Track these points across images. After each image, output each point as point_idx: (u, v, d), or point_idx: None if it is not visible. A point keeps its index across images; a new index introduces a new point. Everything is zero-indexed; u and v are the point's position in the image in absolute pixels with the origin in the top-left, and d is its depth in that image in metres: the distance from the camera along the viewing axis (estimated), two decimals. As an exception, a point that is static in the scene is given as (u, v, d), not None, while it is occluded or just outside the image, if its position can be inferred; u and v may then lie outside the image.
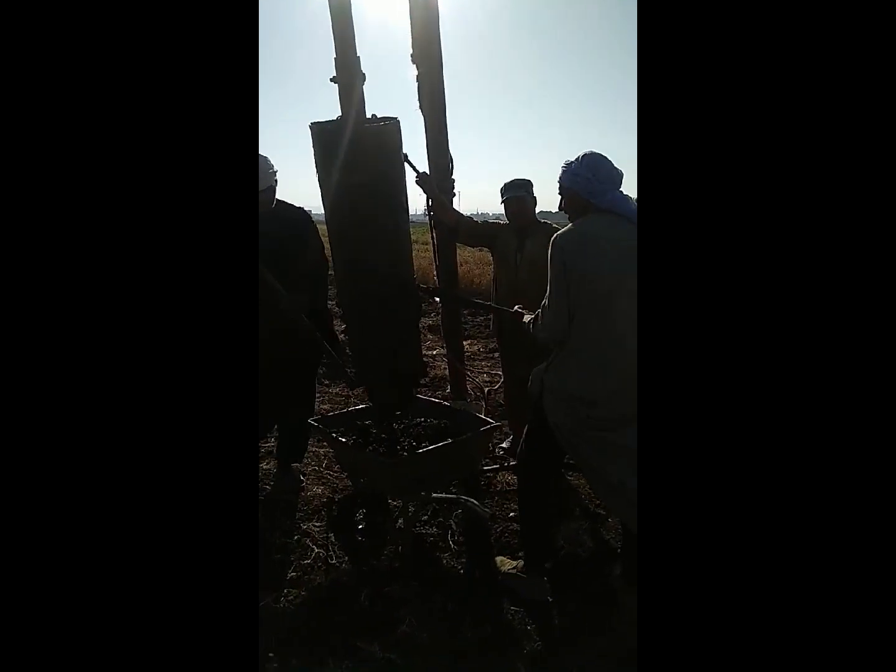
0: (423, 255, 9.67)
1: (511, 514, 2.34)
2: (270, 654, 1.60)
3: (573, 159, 1.63)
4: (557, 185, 1.68)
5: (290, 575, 1.95)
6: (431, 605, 1.79)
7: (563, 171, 1.64)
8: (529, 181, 2.51)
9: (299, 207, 2.45)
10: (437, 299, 2.87)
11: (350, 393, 4.05)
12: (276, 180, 2.28)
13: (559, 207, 1.70)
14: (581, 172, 1.59)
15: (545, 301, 1.62)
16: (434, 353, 5.04)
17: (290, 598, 1.84)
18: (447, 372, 3.79)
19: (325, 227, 1.98)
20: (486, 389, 3.35)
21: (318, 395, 4.02)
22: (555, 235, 1.59)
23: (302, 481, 2.61)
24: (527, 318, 1.80)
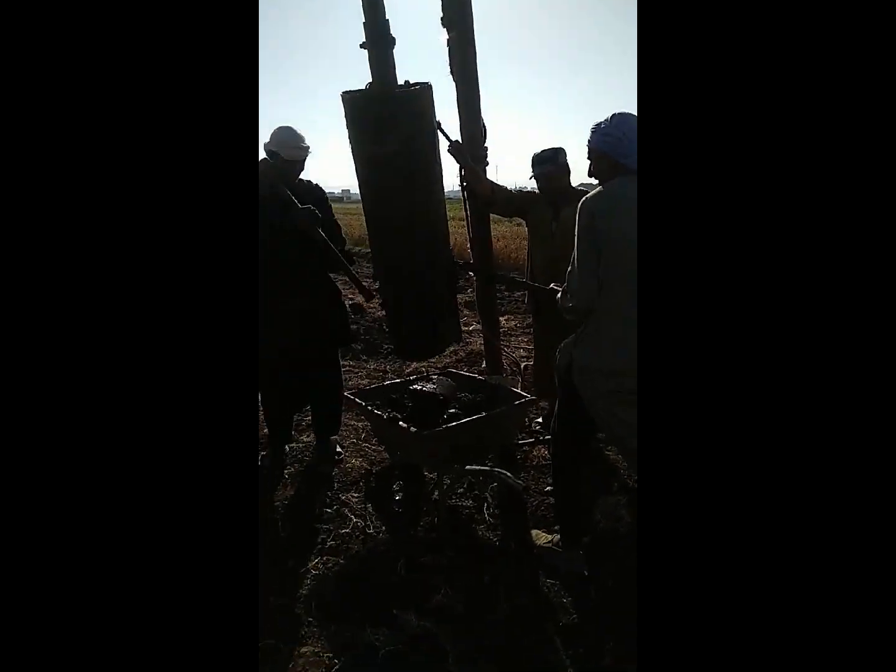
0: (458, 232, 9.57)
1: (547, 488, 2.32)
2: (310, 619, 1.65)
3: (603, 120, 1.56)
4: (586, 149, 1.61)
5: (328, 543, 2.00)
6: (467, 575, 1.80)
7: (593, 133, 1.57)
8: (558, 150, 2.40)
9: (317, 185, 2.47)
10: (472, 274, 2.83)
11: (387, 368, 4.09)
12: (306, 156, 2.27)
13: (588, 173, 1.63)
14: (612, 132, 1.51)
15: (571, 268, 1.57)
16: (470, 328, 5.01)
17: (328, 565, 1.89)
18: (483, 347, 3.77)
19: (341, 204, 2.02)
20: (523, 365, 3.31)
21: (356, 370, 4.09)
22: (583, 198, 1.53)
23: (340, 453, 2.66)
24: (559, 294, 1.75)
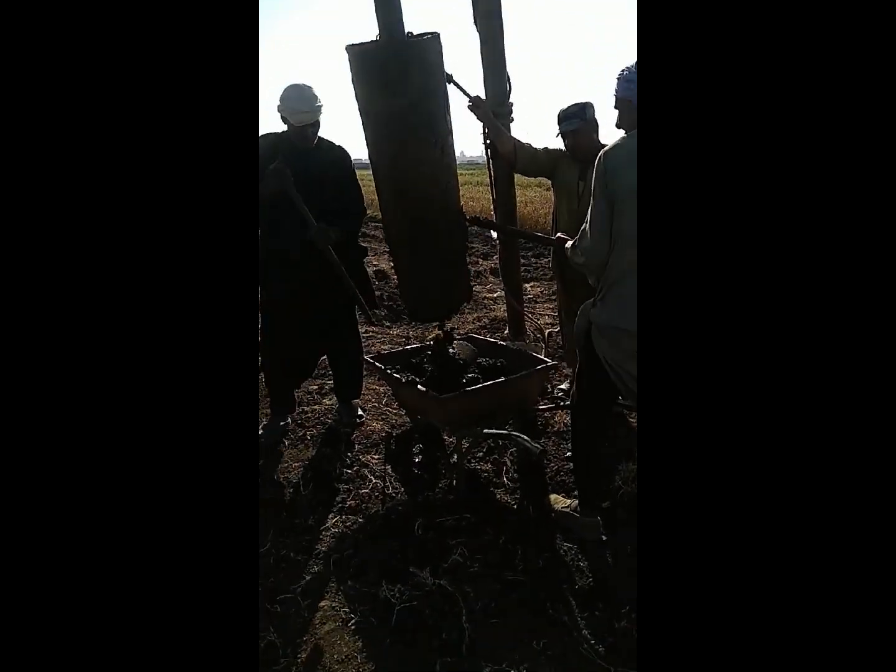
0: (485, 197, 9.42)
1: (567, 454, 2.30)
2: (328, 575, 1.69)
3: (629, 66, 1.46)
4: (613, 98, 1.52)
5: (348, 503, 2.03)
6: (484, 537, 1.81)
7: (618, 80, 1.48)
8: (585, 105, 2.27)
9: (339, 146, 2.35)
10: (494, 234, 2.76)
11: (410, 334, 4.09)
12: (320, 114, 2.16)
13: (616, 124, 1.54)
14: (635, 79, 1.42)
15: (585, 224, 1.51)
16: (495, 295, 4.96)
17: (347, 524, 1.93)
18: (507, 314, 3.72)
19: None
20: (547, 331, 3.26)
21: (378, 335, 4.10)
22: (601, 151, 1.45)
23: (362, 416, 2.68)
24: (568, 243, 1.69)
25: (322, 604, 1.57)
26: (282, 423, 2.56)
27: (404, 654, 1.39)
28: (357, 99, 1.71)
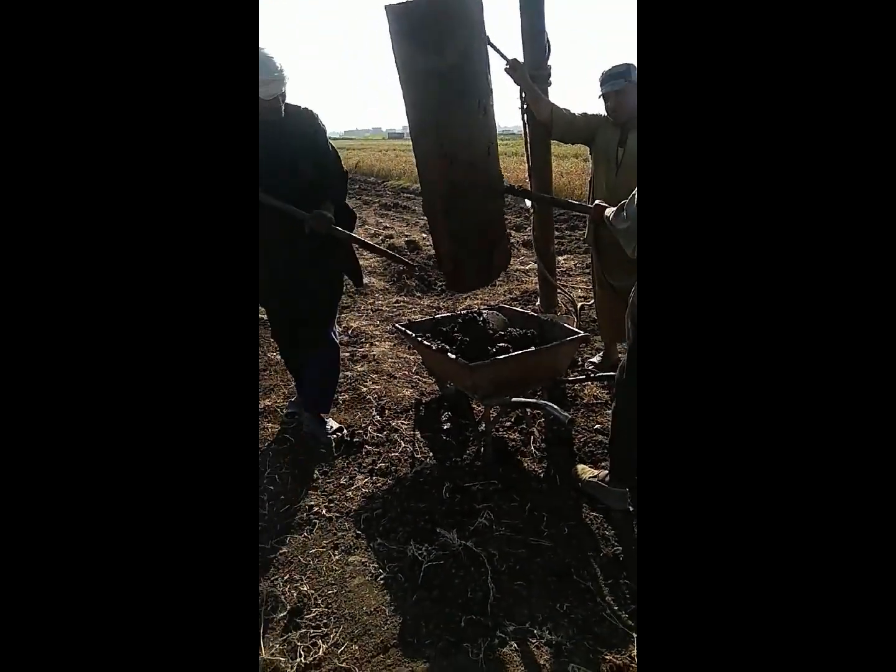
0: (520, 168, 9.22)
1: (596, 426, 2.29)
2: (358, 532, 1.75)
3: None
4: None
5: (378, 465, 2.08)
6: (510, 503, 1.84)
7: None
8: (631, 66, 2.17)
9: (305, 108, 2.03)
10: (528, 204, 2.72)
11: (441, 304, 4.10)
12: (280, 90, 1.84)
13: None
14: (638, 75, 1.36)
15: (635, 192, 1.46)
16: (527, 267, 4.90)
17: (377, 484, 1.98)
18: (538, 287, 3.68)
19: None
20: (580, 304, 3.22)
21: (409, 305, 4.12)
22: None
23: (341, 429, 2.31)
24: (608, 211, 1.65)
25: (352, 559, 1.63)
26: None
27: (430, 610, 1.43)
28: (396, 60, 1.68)
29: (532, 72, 2.27)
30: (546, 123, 2.30)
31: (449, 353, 2.03)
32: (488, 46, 1.77)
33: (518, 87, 2.29)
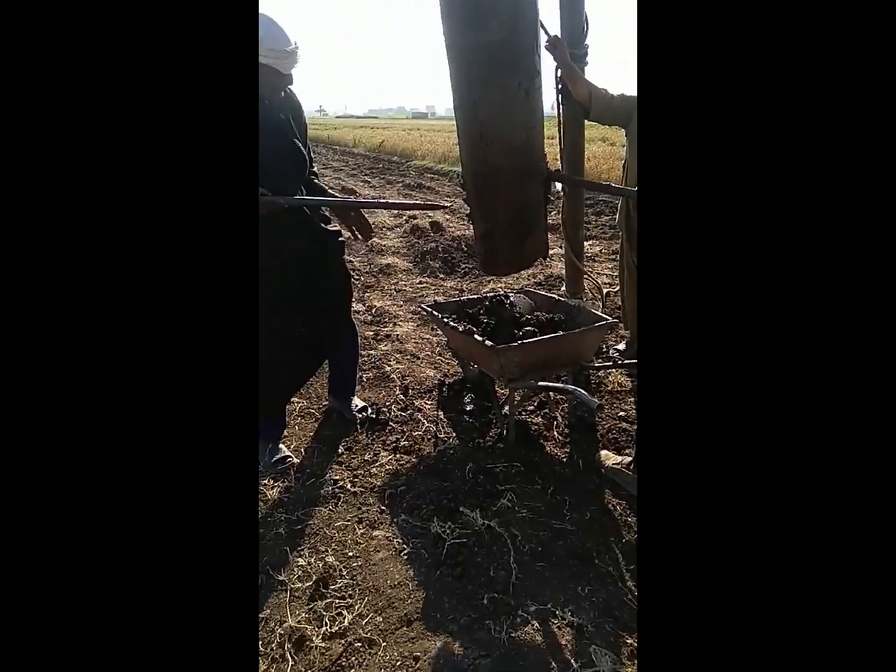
0: (549, 151, 9.06)
1: (621, 413, 2.28)
2: (382, 507, 1.77)
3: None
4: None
5: (402, 443, 2.10)
6: (533, 486, 1.85)
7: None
8: None
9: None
10: (559, 186, 2.67)
11: (464, 287, 4.09)
12: (293, 64, 1.66)
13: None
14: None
15: None
16: (552, 252, 4.85)
17: (401, 462, 2.00)
18: (563, 271, 3.64)
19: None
20: (605, 290, 3.18)
21: (432, 287, 4.12)
22: None
23: (365, 408, 2.33)
24: None
25: (376, 533, 1.66)
26: (277, 456, 1.97)
27: (453, 586, 1.46)
28: (443, 34, 1.65)
29: (570, 50, 2.22)
30: (583, 103, 2.25)
31: (475, 336, 2.02)
32: (539, 26, 1.72)
33: (554, 66, 2.24)
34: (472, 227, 2.05)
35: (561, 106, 2.36)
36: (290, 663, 1.27)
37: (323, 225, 1.94)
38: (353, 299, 3.84)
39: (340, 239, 2.02)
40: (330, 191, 2.01)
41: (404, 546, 1.60)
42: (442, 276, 4.38)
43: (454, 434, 2.18)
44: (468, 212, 2.02)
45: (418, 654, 1.28)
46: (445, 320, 2.21)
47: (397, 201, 2.14)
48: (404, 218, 6.12)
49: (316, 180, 1.96)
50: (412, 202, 2.10)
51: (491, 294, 2.52)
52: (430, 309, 2.36)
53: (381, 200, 2.07)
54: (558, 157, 2.59)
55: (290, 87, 1.76)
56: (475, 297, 2.64)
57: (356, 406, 2.31)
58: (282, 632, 1.34)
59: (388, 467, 1.97)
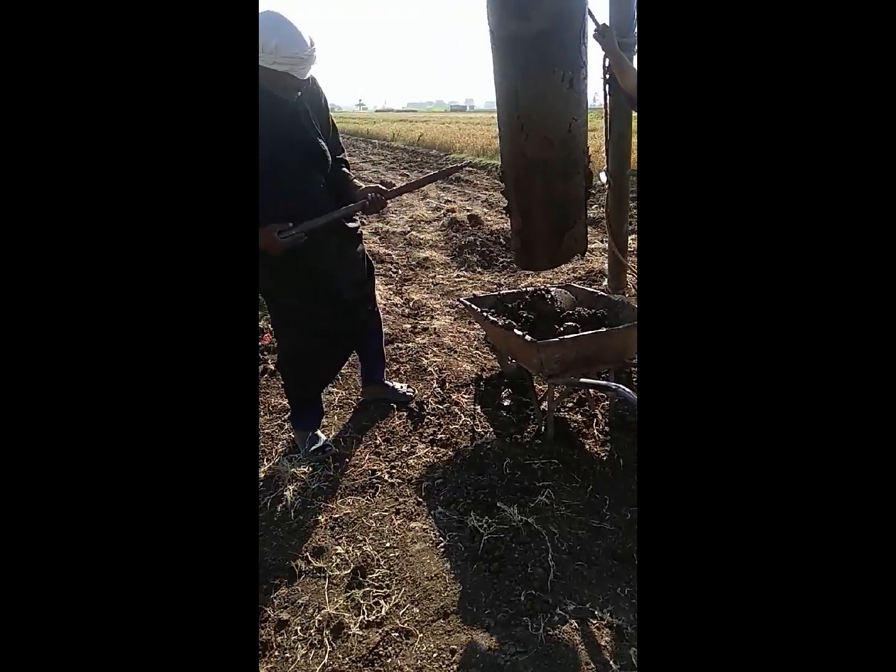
0: (594, 143, 8.87)
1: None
2: (419, 499, 1.78)
3: None
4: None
5: (439, 436, 2.10)
6: (572, 483, 1.82)
7: None
8: None
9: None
10: (603, 178, 2.61)
11: (502, 281, 4.05)
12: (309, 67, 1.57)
13: None
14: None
15: None
16: (592, 246, 4.75)
17: (438, 455, 2.00)
18: (605, 266, 3.56)
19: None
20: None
21: (470, 281, 4.10)
22: None
23: (411, 390, 2.40)
24: None
25: (413, 525, 1.67)
26: (317, 445, 2.01)
27: (489, 580, 1.45)
28: (487, 23, 1.63)
29: (619, 39, 2.15)
30: (632, 94, 2.18)
31: (515, 330, 2.00)
32: (587, 15, 1.68)
33: (602, 55, 2.18)
34: (509, 220, 2.03)
35: (608, 97, 2.30)
36: (328, 649, 1.28)
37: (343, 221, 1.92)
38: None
39: (359, 231, 2.02)
40: (356, 181, 2.00)
41: (441, 539, 1.60)
42: (479, 270, 4.36)
43: (491, 429, 2.16)
44: (506, 205, 1.99)
45: (454, 647, 1.27)
46: (484, 314, 2.19)
47: (414, 181, 2.13)
48: (442, 211, 6.12)
49: (345, 168, 1.95)
50: (427, 176, 2.02)
51: (532, 288, 2.48)
52: (468, 303, 2.35)
53: (398, 187, 2.05)
54: (603, 149, 2.53)
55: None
56: (514, 291, 2.61)
57: (402, 388, 2.36)
58: (320, 618, 1.36)
59: (424, 459, 1.98)
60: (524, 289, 2.64)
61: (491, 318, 2.16)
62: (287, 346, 1.99)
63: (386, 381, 2.36)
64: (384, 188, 1.88)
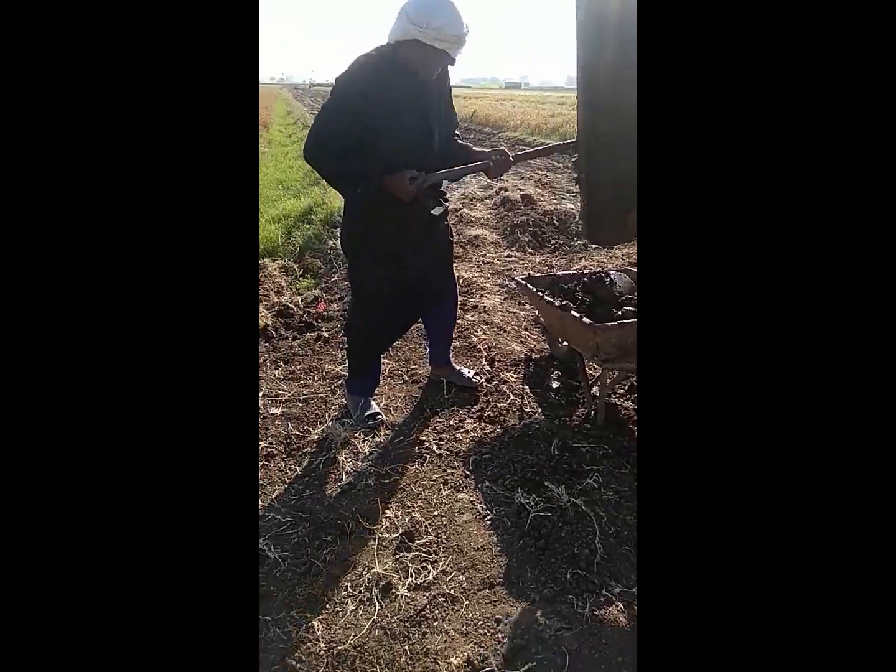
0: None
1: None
2: (467, 473, 1.80)
3: None
4: None
5: (487, 413, 2.11)
6: (620, 469, 1.80)
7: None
8: None
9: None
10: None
11: (553, 262, 3.99)
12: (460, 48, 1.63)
13: None
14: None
15: None
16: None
17: (486, 430, 2.01)
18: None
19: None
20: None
21: (521, 261, 4.06)
22: None
23: (476, 375, 2.35)
24: None
25: (461, 496, 1.69)
26: (369, 411, 2.04)
27: (535, 556, 1.46)
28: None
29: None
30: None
31: (572, 312, 1.97)
32: None
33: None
34: (578, 195, 1.98)
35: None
36: (377, 607, 1.33)
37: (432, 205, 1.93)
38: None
39: (445, 221, 2.03)
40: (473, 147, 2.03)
41: (488, 512, 1.62)
42: (531, 250, 4.30)
43: (540, 410, 2.16)
44: (577, 177, 1.95)
45: (500, 616, 1.30)
46: (540, 294, 2.17)
47: (539, 148, 2.13)
48: (494, 189, 6.04)
49: (459, 141, 2.00)
50: (549, 146, 2.03)
51: (590, 270, 2.43)
52: (523, 282, 2.33)
53: (524, 152, 2.07)
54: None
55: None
56: (571, 272, 2.57)
57: (469, 373, 2.31)
58: (369, 577, 1.40)
59: (472, 434, 1.99)
60: (582, 271, 2.59)
61: (547, 298, 2.13)
62: (355, 314, 2.08)
63: (454, 365, 2.35)
64: (508, 151, 1.90)
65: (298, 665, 1.19)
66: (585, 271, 2.42)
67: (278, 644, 1.24)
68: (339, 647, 1.23)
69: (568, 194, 6.21)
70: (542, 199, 5.59)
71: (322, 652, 1.22)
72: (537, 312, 2.70)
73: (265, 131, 12.78)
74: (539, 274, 2.91)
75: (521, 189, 6.04)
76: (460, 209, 5.34)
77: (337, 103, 1.67)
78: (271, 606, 1.33)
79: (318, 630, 1.27)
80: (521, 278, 2.38)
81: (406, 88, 1.67)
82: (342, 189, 1.84)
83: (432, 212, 1.87)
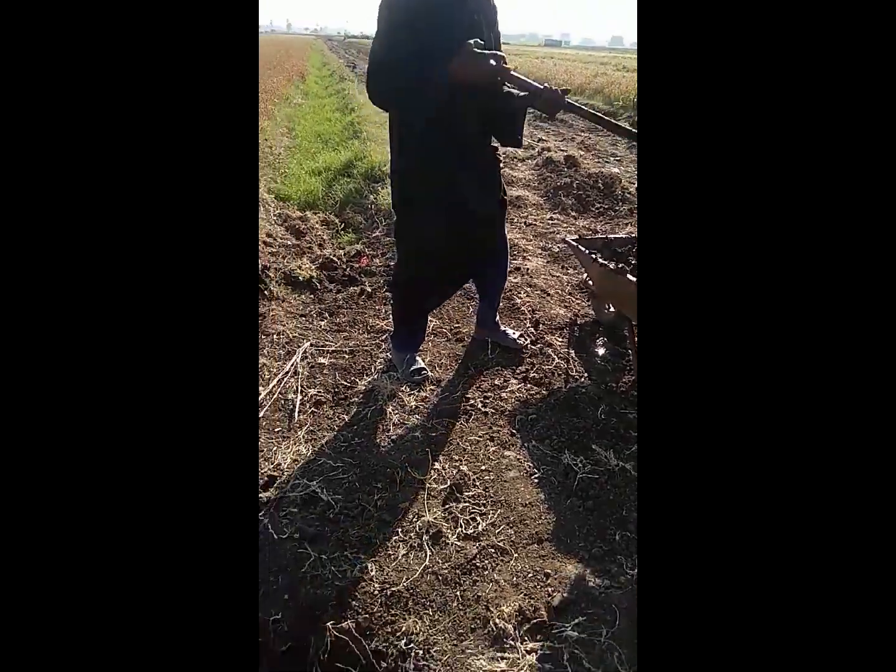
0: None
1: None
2: (513, 431, 1.80)
3: None
4: None
5: (531, 374, 2.10)
6: (668, 437, 1.78)
7: None
8: None
9: None
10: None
11: (597, 227, 3.89)
12: None
13: None
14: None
15: None
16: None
17: (531, 392, 2.00)
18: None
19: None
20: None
21: (563, 224, 3.96)
22: None
23: (521, 336, 2.32)
24: None
25: (507, 453, 1.70)
26: (414, 367, 2.03)
27: (584, 516, 1.47)
28: None
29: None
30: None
31: (628, 275, 1.92)
32: None
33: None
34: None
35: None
36: (428, 554, 1.36)
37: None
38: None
39: (498, 153, 1.96)
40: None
41: (535, 470, 1.63)
42: (574, 213, 4.19)
43: (586, 374, 2.13)
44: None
45: (549, 571, 1.31)
46: (592, 256, 2.11)
47: (591, 113, 1.94)
48: (536, 150, 5.86)
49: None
50: (600, 116, 1.83)
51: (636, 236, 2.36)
52: (574, 243, 2.27)
53: (577, 105, 1.90)
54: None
55: None
56: (624, 236, 2.50)
57: (514, 334, 2.28)
58: (420, 525, 1.43)
59: (517, 394, 1.99)
60: (633, 235, 2.51)
61: (601, 260, 2.08)
62: (406, 270, 1.99)
63: (500, 325, 2.32)
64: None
65: (354, 602, 1.23)
66: (635, 236, 2.35)
67: (334, 581, 1.28)
68: (393, 589, 1.26)
69: (612, 158, 6.01)
70: (586, 161, 5.41)
71: (376, 591, 1.26)
72: (585, 276, 2.64)
73: (301, 82, 12.56)
74: (593, 236, 2.84)
75: (563, 150, 5.85)
76: (501, 168, 5.21)
77: (387, 22, 1.59)
78: (326, 545, 1.37)
79: (371, 571, 1.30)
80: (573, 239, 2.33)
81: (454, 7, 1.61)
82: (409, 103, 1.65)
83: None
